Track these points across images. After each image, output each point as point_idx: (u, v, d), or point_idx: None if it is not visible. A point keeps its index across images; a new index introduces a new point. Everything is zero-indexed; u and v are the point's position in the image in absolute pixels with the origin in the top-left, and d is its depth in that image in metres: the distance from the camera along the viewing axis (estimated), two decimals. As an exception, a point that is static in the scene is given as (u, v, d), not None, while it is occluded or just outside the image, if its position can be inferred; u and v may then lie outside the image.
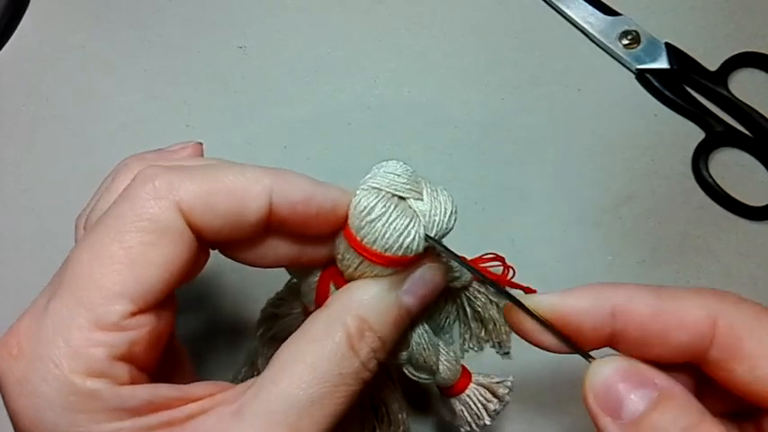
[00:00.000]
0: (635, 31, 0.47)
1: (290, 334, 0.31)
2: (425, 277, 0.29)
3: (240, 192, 0.26)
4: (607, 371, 0.25)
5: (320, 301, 0.30)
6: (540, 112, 0.46)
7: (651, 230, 0.43)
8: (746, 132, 0.45)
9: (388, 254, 0.27)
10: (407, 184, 0.28)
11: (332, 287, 0.29)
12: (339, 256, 0.28)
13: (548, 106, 0.46)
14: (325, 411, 0.25)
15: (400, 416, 0.34)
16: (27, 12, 0.50)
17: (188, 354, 0.31)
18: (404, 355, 0.30)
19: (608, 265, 0.42)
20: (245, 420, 0.24)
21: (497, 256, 0.37)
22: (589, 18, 0.48)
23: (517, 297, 0.27)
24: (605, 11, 0.48)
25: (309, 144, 0.45)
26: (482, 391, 0.32)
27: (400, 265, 0.27)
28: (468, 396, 0.32)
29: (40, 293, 0.25)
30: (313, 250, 0.29)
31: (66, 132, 0.46)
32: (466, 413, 0.32)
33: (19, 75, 0.48)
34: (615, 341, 0.26)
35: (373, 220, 0.26)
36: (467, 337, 0.39)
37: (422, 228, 0.27)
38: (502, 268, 0.37)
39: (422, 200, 0.28)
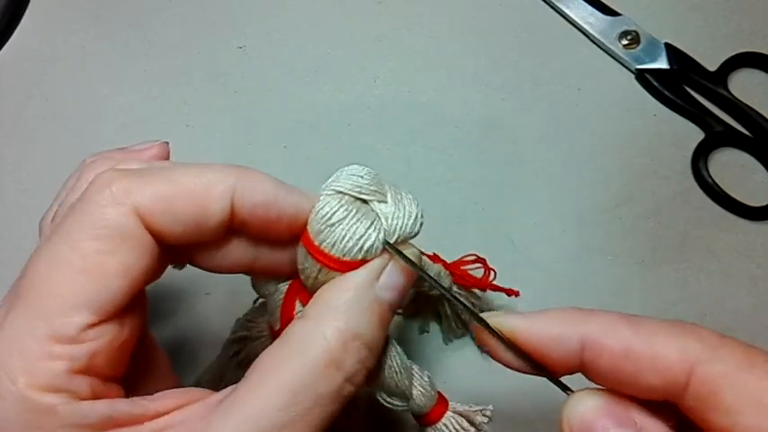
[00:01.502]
0: (635, 32, 0.47)
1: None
2: (398, 267, 0.27)
3: (201, 194, 0.25)
4: (584, 406, 0.23)
5: (285, 319, 0.28)
6: (540, 112, 0.46)
7: (651, 230, 0.43)
8: (746, 132, 0.45)
9: (346, 258, 0.26)
10: (371, 186, 0.27)
11: (297, 304, 0.28)
12: (299, 267, 0.27)
13: (548, 106, 0.46)
14: None
15: None
16: (27, 12, 0.50)
17: (167, 356, 0.30)
18: (376, 381, 0.29)
19: (608, 265, 0.42)
20: None
21: (478, 258, 0.37)
22: (589, 18, 0.48)
23: (479, 315, 0.26)
24: (605, 11, 0.48)
25: (309, 144, 0.45)
26: (459, 419, 0.30)
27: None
28: (445, 425, 0.30)
29: None
30: (278, 255, 0.28)
31: (67, 132, 0.46)
32: None
33: (19, 75, 0.48)
34: (586, 371, 0.25)
35: (333, 224, 0.26)
36: (447, 330, 0.39)
37: (383, 231, 0.26)
38: (483, 270, 0.37)
39: (386, 202, 0.27)
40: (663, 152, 0.45)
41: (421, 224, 0.27)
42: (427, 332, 0.40)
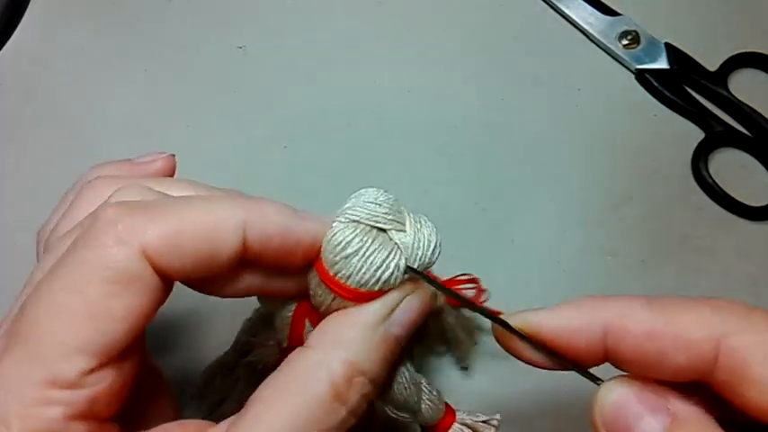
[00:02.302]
0: (635, 32, 0.47)
1: (266, 365, 0.28)
2: (413, 303, 0.26)
3: (211, 230, 0.24)
4: (616, 395, 0.23)
5: (294, 338, 0.28)
6: (540, 112, 0.46)
7: (651, 230, 0.43)
8: (746, 132, 0.45)
9: (363, 290, 0.25)
10: (389, 215, 0.26)
11: (307, 324, 0.27)
12: (311, 292, 0.26)
13: (548, 106, 0.46)
14: None
15: None
16: (27, 12, 0.50)
17: (173, 362, 0.30)
18: (384, 395, 0.28)
19: (608, 265, 0.42)
20: None
21: (472, 278, 0.36)
22: (589, 18, 0.48)
23: (503, 318, 0.26)
24: (605, 11, 0.48)
25: (309, 144, 0.45)
26: (466, 430, 0.30)
27: (375, 299, 0.26)
28: None
29: None
30: (290, 281, 0.27)
31: (66, 132, 0.46)
32: None
33: (19, 75, 0.48)
34: (611, 359, 0.24)
35: (349, 256, 0.24)
36: (461, 359, 0.38)
37: (403, 260, 0.25)
38: (476, 290, 0.36)
39: (404, 231, 0.26)
40: (663, 152, 0.45)
41: (439, 252, 0.26)
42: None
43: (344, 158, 0.45)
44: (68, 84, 0.48)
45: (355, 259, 0.25)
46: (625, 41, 0.47)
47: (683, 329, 0.22)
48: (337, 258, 0.25)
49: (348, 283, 0.25)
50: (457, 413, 0.30)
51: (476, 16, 0.49)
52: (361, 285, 0.25)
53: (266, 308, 0.30)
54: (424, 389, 0.29)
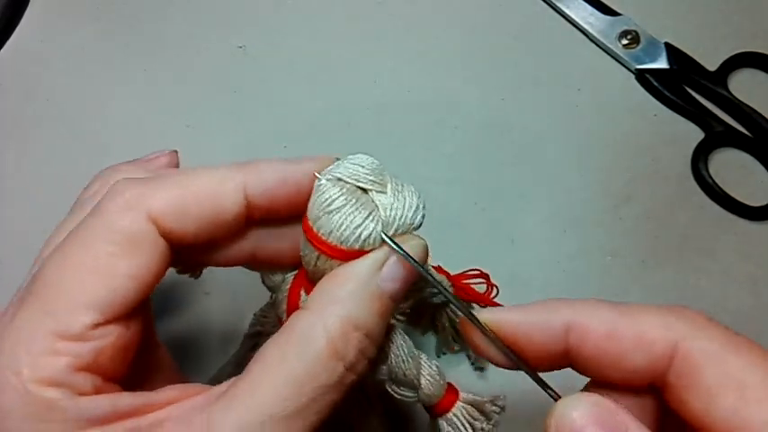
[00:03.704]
0: (634, 31, 0.47)
1: None
2: (401, 259, 0.26)
3: (213, 193, 0.26)
4: (575, 413, 0.23)
5: (291, 309, 0.28)
6: (540, 112, 0.46)
7: (651, 230, 0.43)
8: (746, 132, 0.45)
9: (343, 246, 0.26)
10: (371, 176, 0.27)
11: (303, 294, 0.28)
12: (301, 254, 0.27)
13: (548, 106, 0.46)
14: (304, 423, 0.23)
15: None
16: (27, 12, 0.50)
17: (173, 360, 0.30)
18: (383, 369, 0.29)
19: (608, 265, 0.42)
20: None
21: (482, 273, 0.36)
22: (589, 18, 0.48)
23: (469, 310, 0.26)
24: (605, 11, 0.48)
25: (309, 144, 0.45)
26: (470, 409, 0.30)
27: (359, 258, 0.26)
28: (455, 415, 0.30)
29: (9, 303, 0.25)
30: (285, 242, 0.28)
31: (66, 132, 0.46)
32: None
33: (19, 75, 0.48)
34: (571, 360, 0.25)
35: (331, 212, 0.26)
36: (443, 344, 0.38)
37: (380, 222, 0.26)
38: (486, 285, 0.37)
39: (385, 193, 0.27)
40: (663, 152, 0.45)
41: (422, 216, 0.27)
42: (444, 354, 0.40)
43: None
44: (68, 84, 0.48)
45: (336, 216, 0.26)
46: (625, 41, 0.47)
47: (644, 330, 0.23)
48: (320, 214, 0.26)
49: (330, 240, 0.26)
50: (460, 392, 0.30)
51: (476, 16, 0.49)
52: (342, 242, 0.26)
53: (270, 282, 0.31)
54: (424, 363, 0.29)
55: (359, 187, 0.26)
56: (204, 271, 0.32)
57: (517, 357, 0.25)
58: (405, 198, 0.27)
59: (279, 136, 0.46)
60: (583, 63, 0.47)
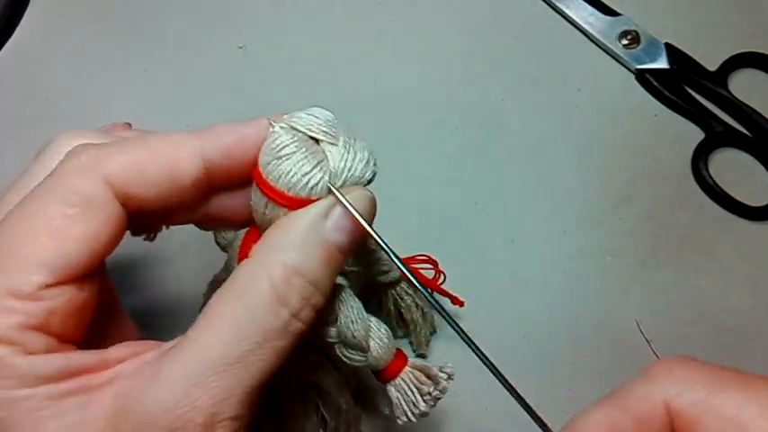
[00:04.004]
0: (635, 31, 0.47)
1: None
2: (348, 210, 0.26)
3: (170, 156, 0.26)
4: None
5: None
6: (540, 112, 0.46)
7: (651, 230, 0.43)
8: (746, 132, 0.45)
9: (290, 193, 0.26)
10: (324, 127, 0.27)
11: (253, 247, 0.28)
12: (251, 203, 0.27)
13: (548, 106, 0.46)
14: (250, 371, 0.23)
15: (342, 399, 0.33)
16: (27, 12, 0.50)
17: (135, 326, 0.30)
18: (332, 331, 0.29)
19: (608, 265, 0.42)
20: (163, 383, 0.23)
21: (430, 259, 0.36)
22: (589, 18, 0.48)
23: (418, 282, 0.26)
24: (605, 11, 0.48)
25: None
26: (417, 374, 0.30)
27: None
28: (403, 380, 0.30)
29: None
30: (238, 198, 0.28)
31: (67, 132, 0.46)
32: (402, 400, 0.30)
33: (19, 75, 0.48)
34: None
35: (281, 158, 0.26)
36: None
37: (328, 172, 0.26)
38: (433, 272, 0.36)
39: (336, 145, 0.27)
40: (663, 152, 0.45)
41: (373, 172, 0.27)
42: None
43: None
44: (68, 84, 0.48)
45: (286, 162, 0.26)
46: (625, 41, 0.47)
47: (635, 409, 0.23)
48: (270, 159, 0.26)
49: (278, 186, 0.26)
50: (409, 359, 0.30)
51: (476, 16, 0.49)
52: (290, 189, 0.26)
53: (223, 240, 0.31)
54: (373, 326, 0.29)
55: (311, 137, 0.27)
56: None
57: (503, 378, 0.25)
58: (356, 152, 0.27)
59: (279, 136, 0.46)
60: (583, 63, 0.47)
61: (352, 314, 0.29)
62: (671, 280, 0.41)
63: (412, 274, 0.27)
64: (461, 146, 0.45)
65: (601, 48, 0.48)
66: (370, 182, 0.27)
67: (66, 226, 0.24)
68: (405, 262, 0.35)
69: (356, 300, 0.29)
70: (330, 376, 0.33)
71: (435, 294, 0.37)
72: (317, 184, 0.26)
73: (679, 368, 0.23)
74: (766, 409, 0.22)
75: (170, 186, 0.26)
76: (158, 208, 0.26)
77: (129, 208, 0.25)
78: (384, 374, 0.30)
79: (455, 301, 0.37)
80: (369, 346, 0.29)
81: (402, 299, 0.36)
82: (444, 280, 0.37)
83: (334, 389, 0.33)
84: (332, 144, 0.27)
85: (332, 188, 0.26)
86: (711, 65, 0.46)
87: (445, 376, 0.30)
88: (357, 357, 0.29)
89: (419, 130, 0.46)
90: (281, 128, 0.27)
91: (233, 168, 0.27)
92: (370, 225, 0.26)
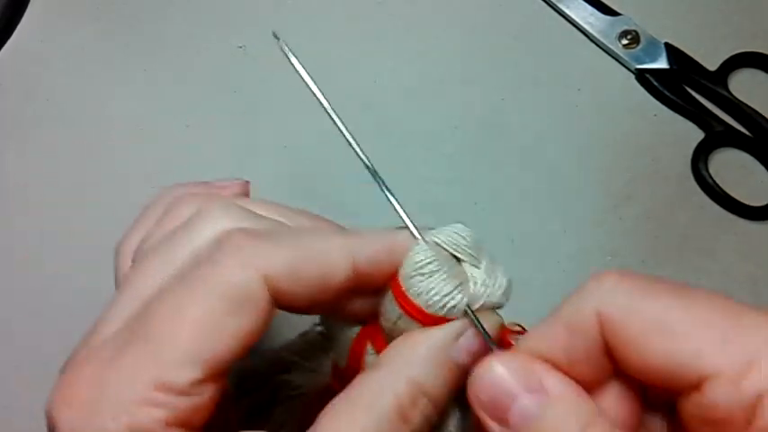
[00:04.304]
0: (634, 31, 0.47)
1: (308, 391, 0.29)
2: (479, 334, 0.26)
3: (325, 258, 0.25)
4: (490, 375, 0.23)
5: (353, 360, 0.28)
6: (540, 112, 0.46)
7: (651, 230, 0.43)
8: (746, 132, 0.45)
9: (428, 311, 0.26)
10: (469, 248, 0.27)
11: (368, 347, 0.28)
12: (381, 309, 0.27)
13: (548, 106, 0.46)
14: None
15: None
16: (27, 12, 0.50)
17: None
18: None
19: (608, 265, 0.42)
20: None
21: (523, 329, 0.36)
22: (589, 18, 0.48)
23: None
24: (605, 11, 0.48)
25: (309, 144, 0.45)
26: None
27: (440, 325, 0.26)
28: None
29: (105, 336, 0.24)
30: (368, 301, 0.28)
31: (67, 132, 0.46)
32: None
33: (19, 75, 0.48)
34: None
35: (424, 274, 0.26)
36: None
37: (468, 296, 0.26)
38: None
39: (478, 268, 0.27)
40: (663, 152, 0.45)
41: (507, 299, 0.27)
42: None
43: (344, 158, 0.45)
44: (68, 84, 0.48)
45: (428, 279, 0.26)
46: (625, 41, 0.47)
47: (566, 317, 0.24)
48: (413, 274, 0.26)
49: (417, 302, 0.26)
50: None
51: (476, 16, 0.49)
52: (428, 306, 0.26)
53: (327, 328, 0.31)
54: None
55: (454, 256, 0.27)
56: None
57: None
58: (496, 277, 0.27)
59: (279, 136, 0.46)
60: (583, 63, 0.47)
61: (453, 428, 0.28)
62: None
63: None
64: (461, 146, 0.45)
65: (601, 48, 0.48)
66: (502, 306, 0.27)
67: (224, 322, 0.23)
68: (503, 331, 0.34)
69: (461, 416, 0.28)
70: None
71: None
72: (455, 306, 0.26)
73: (611, 278, 0.24)
74: (691, 311, 0.22)
75: (320, 288, 0.25)
76: (302, 305, 0.26)
77: (279, 304, 0.25)
78: None
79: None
80: None
81: None
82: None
83: None
84: (475, 267, 0.27)
85: (470, 313, 0.26)
86: (711, 65, 0.46)
87: None
88: None
89: (419, 129, 0.46)
90: (427, 243, 0.26)
91: (375, 276, 0.26)
92: (496, 346, 0.26)
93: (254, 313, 0.24)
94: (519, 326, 0.35)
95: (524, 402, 0.23)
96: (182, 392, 0.23)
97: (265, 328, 0.25)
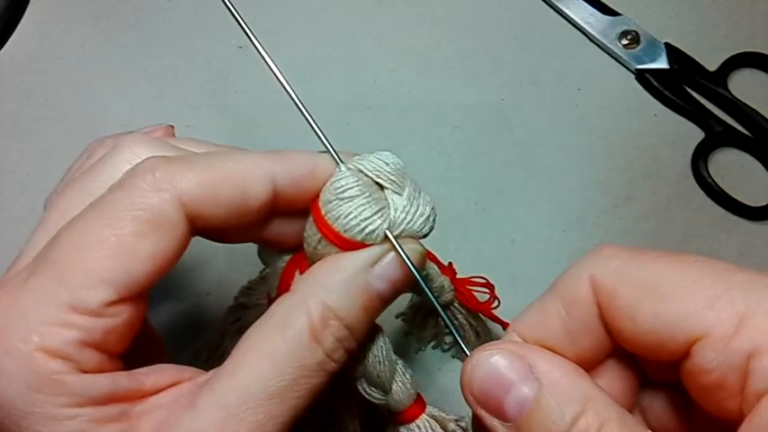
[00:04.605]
0: (634, 31, 0.47)
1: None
2: (397, 260, 0.26)
3: (242, 178, 0.25)
4: (485, 364, 0.23)
5: (283, 287, 0.29)
6: (540, 112, 0.46)
7: (651, 231, 0.43)
8: (746, 132, 0.45)
9: (346, 235, 0.26)
10: (392, 175, 0.27)
11: (297, 274, 0.28)
12: (304, 233, 0.27)
13: (548, 106, 0.46)
14: (285, 406, 0.23)
15: (350, 425, 0.32)
16: (27, 12, 0.50)
17: (161, 338, 0.31)
18: (359, 368, 0.29)
19: (608, 265, 0.42)
20: (199, 415, 0.23)
21: (488, 283, 0.36)
22: (589, 18, 0.48)
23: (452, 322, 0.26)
24: (605, 11, 0.48)
25: (309, 144, 0.45)
26: (433, 423, 0.30)
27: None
28: (418, 426, 0.30)
29: (19, 269, 0.24)
30: (294, 224, 0.28)
31: (67, 132, 0.46)
32: None
33: (19, 75, 0.48)
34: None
35: (343, 199, 0.26)
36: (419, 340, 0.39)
37: (388, 221, 0.26)
38: (489, 295, 0.36)
39: (400, 195, 0.27)
40: (663, 152, 0.45)
41: (431, 227, 0.27)
42: (423, 350, 0.40)
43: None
44: (68, 84, 0.48)
45: (347, 204, 0.26)
46: (625, 41, 0.47)
47: (563, 287, 0.24)
48: (332, 198, 0.26)
49: (335, 226, 0.26)
50: (427, 406, 0.30)
51: (476, 16, 0.49)
52: (346, 231, 0.26)
53: (267, 257, 0.31)
54: (399, 369, 0.29)
55: (376, 182, 0.27)
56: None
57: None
58: (418, 205, 0.27)
59: (279, 136, 0.46)
60: (583, 63, 0.47)
61: (381, 355, 0.28)
62: (671, 280, 0.41)
63: (445, 312, 0.28)
64: (461, 146, 0.45)
65: (601, 48, 0.48)
66: (424, 236, 0.27)
67: (136, 243, 0.23)
68: (461, 281, 0.34)
69: (387, 342, 0.29)
70: (342, 399, 0.32)
71: (483, 317, 0.36)
72: (373, 230, 0.26)
73: (606, 250, 0.24)
74: (681, 274, 0.22)
75: (238, 208, 0.25)
76: (222, 227, 0.26)
77: (196, 226, 0.25)
78: (400, 417, 0.30)
79: (504, 325, 0.36)
80: (391, 389, 0.29)
81: (456, 318, 0.36)
82: (498, 305, 0.36)
83: (345, 413, 0.32)
84: (396, 193, 0.27)
85: (390, 237, 0.26)
86: (711, 65, 0.46)
87: (459, 430, 0.30)
88: (377, 396, 0.29)
89: (419, 130, 0.46)
90: (348, 169, 0.26)
91: (298, 197, 0.26)
92: (421, 277, 0.26)
93: (169, 236, 0.24)
94: (483, 278, 0.35)
95: (518, 392, 0.22)
96: (94, 313, 0.23)
97: (182, 251, 0.25)
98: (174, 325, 0.41)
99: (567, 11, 0.48)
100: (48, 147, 0.46)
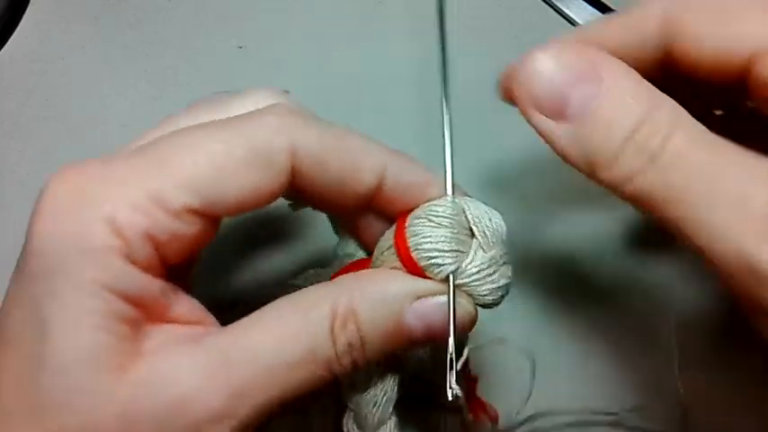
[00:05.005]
0: (635, 31, 0.47)
1: None
2: (442, 307, 0.25)
3: (356, 158, 0.25)
4: (547, 62, 0.23)
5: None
6: (540, 112, 0.46)
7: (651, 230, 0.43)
8: (746, 132, 0.45)
9: (413, 254, 0.25)
10: (488, 230, 0.26)
11: (347, 275, 0.27)
12: (381, 237, 0.27)
13: (548, 106, 0.46)
14: (278, 383, 0.23)
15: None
16: (27, 12, 0.50)
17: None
18: (354, 397, 0.27)
19: (607, 264, 0.42)
20: (197, 352, 0.22)
21: (496, 416, 0.33)
22: (589, 18, 0.48)
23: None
24: (605, 11, 0.48)
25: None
26: None
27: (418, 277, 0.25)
28: None
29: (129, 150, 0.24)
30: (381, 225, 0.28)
31: (67, 132, 0.46)
32: None
33: (19, 75, 0.48)
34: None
35: (432, 222, 0.25)
36: None
37: (458, 267, 0.25)
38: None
39: (485, 252, 0.26)
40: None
41: (494, 301, 0.26)
42: None
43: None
44: (68, 84, 0.48)
45: (431, 228, 0.25)
46: (625, 41, 0.47)
47: (627, 17, 0.24)
48: (422, 216, 0.25)
49: (409, 241, 0.25)
50: None
51: (476, 16, 0.49)
52: (416, 250, 0.25)
53: (341, 249, 0.30)
54: (389, 424, 0.28)
55: (471, 228, 0.26)
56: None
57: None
58: (495, 272, 0.26)
59: (279, 136, 0.46)
60: (583, 63, 0.47)
61: (380, 398, 0.27)
62: (671, 280, 0.41)
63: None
64: (461, 146, 0.45)
65: (601, 48, 0.48)
66: (484, 307, 0.26)
67: (241, 168, 0.23)
68: (473, 384, 0.32)
69: (394, 391, 0.27)
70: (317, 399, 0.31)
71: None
72: (439, 265, 0.25)
73: None
74: None
75: (342, 184, 0.25)
76: (318, 194, 0.25)
77: (295, 182, 0.24)
78: None
79: (491, 419, 0.33)
80: None
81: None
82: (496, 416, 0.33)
83: (318, 415, 0.31)
84: (482, 248, 0.26)
85: (450, 281, 0.25)
86: (711, 65, 0.46)
87: None
88: None
89: (419, 130, 0.46)
90: (454, 202, 0.26)
91: (394, 202, 0.26)
92: (454, 336, 0.25)
93: (272, 178, 0.24)
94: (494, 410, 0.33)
95: (583, 90, 0.22)
96: (172, 213, 0.22)
97: (273, 198, 0.24)
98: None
99: (567, 11, 0.48)
100: (48, 147, 0.46)
